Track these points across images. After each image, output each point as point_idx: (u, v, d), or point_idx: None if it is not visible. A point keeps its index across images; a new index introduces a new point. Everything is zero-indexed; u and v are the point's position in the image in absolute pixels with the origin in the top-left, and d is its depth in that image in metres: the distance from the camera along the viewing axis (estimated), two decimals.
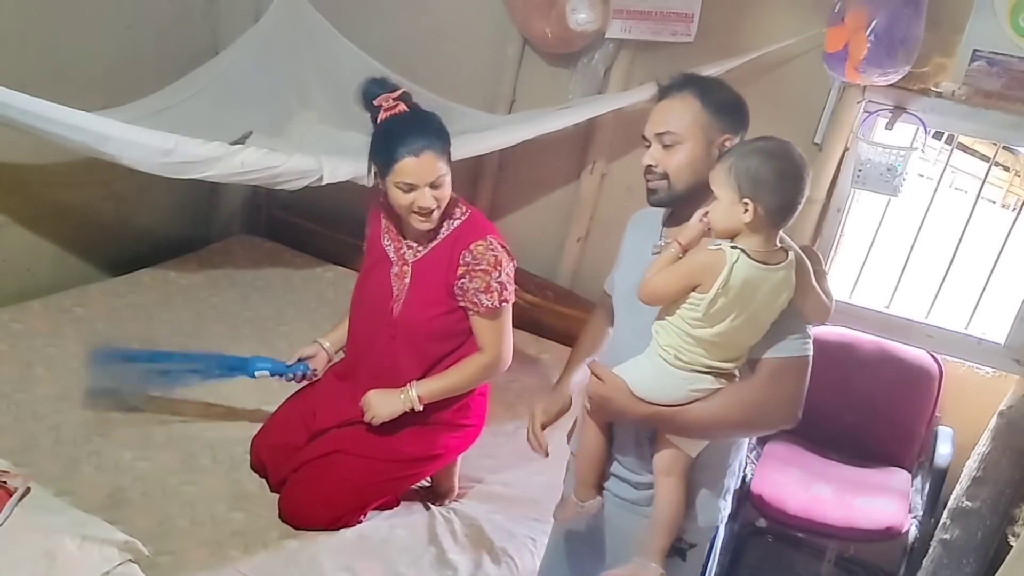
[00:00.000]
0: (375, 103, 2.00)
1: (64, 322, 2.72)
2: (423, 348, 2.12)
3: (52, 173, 2.89)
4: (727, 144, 1.58)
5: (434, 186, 1.98)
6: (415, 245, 2.12)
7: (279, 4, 3.17)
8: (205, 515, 2.03)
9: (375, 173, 2.05)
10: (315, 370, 2.26)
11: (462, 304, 2.07)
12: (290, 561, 1.94)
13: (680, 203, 1.63)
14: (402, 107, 1.99)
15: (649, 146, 1.62)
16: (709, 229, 1.52)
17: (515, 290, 2.11)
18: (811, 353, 1.57)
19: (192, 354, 2.37)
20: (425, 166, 1.95)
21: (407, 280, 2.11)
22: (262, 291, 3.22)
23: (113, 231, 3.28)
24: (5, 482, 1.72)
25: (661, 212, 1.70)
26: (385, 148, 1.98)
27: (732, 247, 1.47)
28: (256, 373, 2.24)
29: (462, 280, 2.05)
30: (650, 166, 1.61)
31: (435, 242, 2.09)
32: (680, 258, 1.52)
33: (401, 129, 1.97)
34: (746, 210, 1.45)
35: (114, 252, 3.26)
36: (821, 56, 2.59)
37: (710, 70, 2.71)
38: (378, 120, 2.01)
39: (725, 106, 1.60)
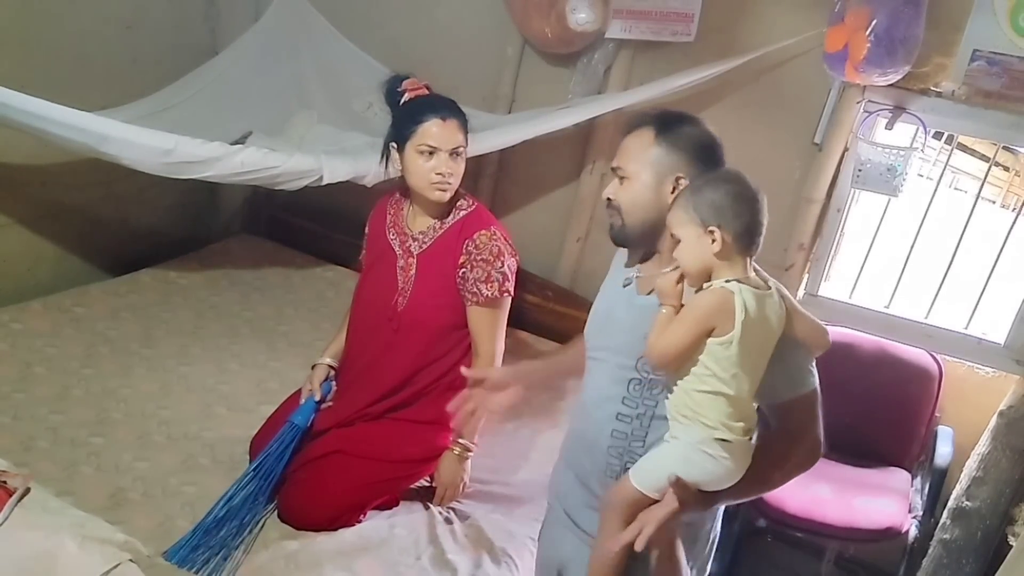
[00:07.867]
0: (400, 88, 2.12)
1: (64, 322, 2.71)
2: (423, 343, 2.13)
3: (52, 173, 2.89)
4: (681, 183, 1.50)
5: (453, 155, 2.06)
6: (421, 237, 2.15)
7: (279, 4, 3.18)
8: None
9: (392, 152, 2.13)
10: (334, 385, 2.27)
11: (462, 293, 2.10)
12: (290, 561, 1.94)
13: (634, 243, 1.58)
14: (425, 90, 2.14)
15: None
16: (682, 276, 1.42)
17: (516, 288, 2.11)
18: (818, 385, 1.51)
19: (251, 471, 2.11)
20: (449, 130, 2.07)
21: (412, 272, 2.15)
22: (262, 291, 3.22)
23: (113, 231, 3.27)
24: (5, 482, 1.72)
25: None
26: (410, 118, 2.08)
27: (727, 281, 1.39)
28: (307, 423, 2.17)
29: (463, 269, 2.10)
30: (608, 199, 1.57)
31: (440, 232, 2.14)
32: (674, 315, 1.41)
33: (428, 101, 2.11)
34: (713, 239, 1.39)
35: (114, 252, 3.26)
36: (821, 56, 2.59)
37: (710, 70, 2.73)
38: (401, 103, 2.12)
39: (685, 142, 1.51)
